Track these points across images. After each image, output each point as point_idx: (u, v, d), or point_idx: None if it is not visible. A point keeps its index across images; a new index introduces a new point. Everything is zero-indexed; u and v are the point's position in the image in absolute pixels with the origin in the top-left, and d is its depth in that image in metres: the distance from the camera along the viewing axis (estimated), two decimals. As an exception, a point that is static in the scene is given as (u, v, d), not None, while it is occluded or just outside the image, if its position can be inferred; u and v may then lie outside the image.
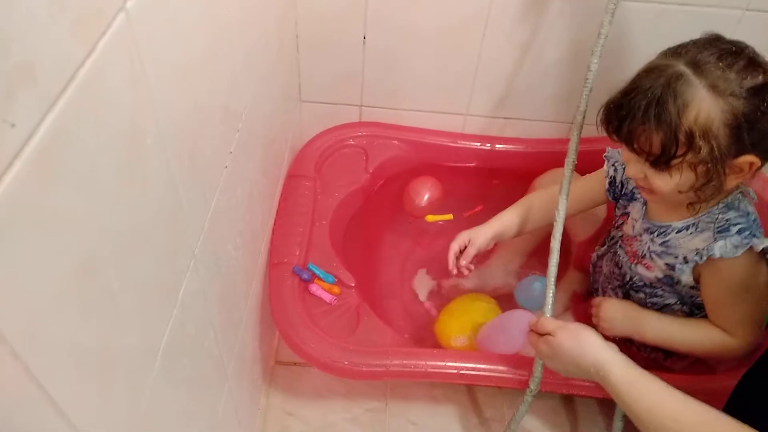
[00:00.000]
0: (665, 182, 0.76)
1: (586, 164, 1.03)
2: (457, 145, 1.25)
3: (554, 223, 0.89)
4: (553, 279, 0.88)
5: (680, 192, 0.77)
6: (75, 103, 0.35)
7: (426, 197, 1.26)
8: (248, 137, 0.78)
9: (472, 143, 1.25)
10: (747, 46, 0.73)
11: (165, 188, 0.51)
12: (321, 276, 1.00)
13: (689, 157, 0.72)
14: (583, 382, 0.88)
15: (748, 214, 0.81)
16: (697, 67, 0.71)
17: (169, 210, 0.52)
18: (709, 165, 0.72)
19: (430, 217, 1.29)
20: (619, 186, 0.98)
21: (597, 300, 0.99)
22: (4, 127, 0.29)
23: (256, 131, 0.83)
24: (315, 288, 0.98)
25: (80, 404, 0.39)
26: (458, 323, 1.06)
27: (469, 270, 1.02)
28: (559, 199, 0.89)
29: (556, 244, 0.89)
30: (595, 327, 0.85)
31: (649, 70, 0.75)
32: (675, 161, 0.73)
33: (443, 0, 1.04)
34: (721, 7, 1.03)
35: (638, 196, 0.94)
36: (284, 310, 0.93)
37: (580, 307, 1.12)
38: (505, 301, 1.10)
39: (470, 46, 1.11)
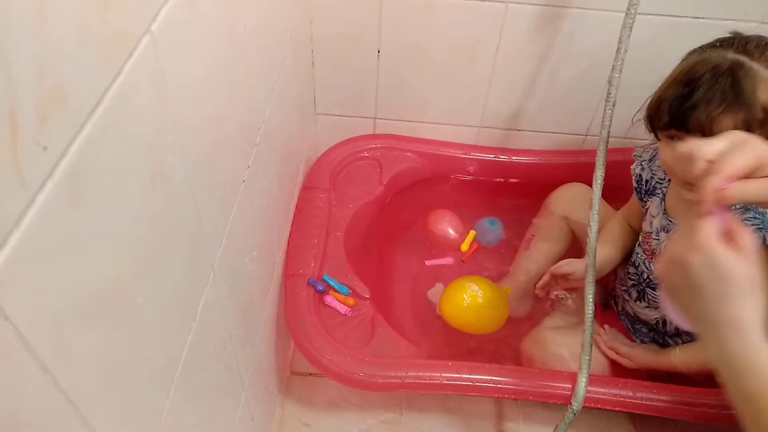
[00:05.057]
0: None
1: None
2: (471, 156, 1.25)
3: (587, 239, 0.88)
4: (591, 296, 0.88)
5: None
6: (102, 125, 0.36)
7: (451, 231, 1.27)
8: (265, 151, 0.80)
9: (486, 155, 1.25)
10: None
11: (186, 204, 0.52)
12: (336, 287, 1.01)
13: (764, 133, 0.74)
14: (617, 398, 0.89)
15: (764, 214, 0.83)
16: (750, 54, 0.75)
17: (189, 225, 0.53)
18: None
19: (464, 246, 1.28)
20: (644, 183, 0.98)
21: (624, 351, 0.99)
22: (36, 150, 0.30)
23: (273, 145, 0.85)
24: (330, 299, 0.99)
25: (105, 416, 0.40)
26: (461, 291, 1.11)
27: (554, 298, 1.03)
28: (590, 215, 0.88)
29: (590, 260, 0.87)
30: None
31: (702, 62, 0.77)
32: None
33: (457, 14, 1.05)
34: (735, 20, 1.03)
35: (657, 191, 0.94)
36: (299, 322, 0.94)
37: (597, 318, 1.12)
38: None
39: (484, 59, 1.11)
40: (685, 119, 0.76)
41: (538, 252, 1.18)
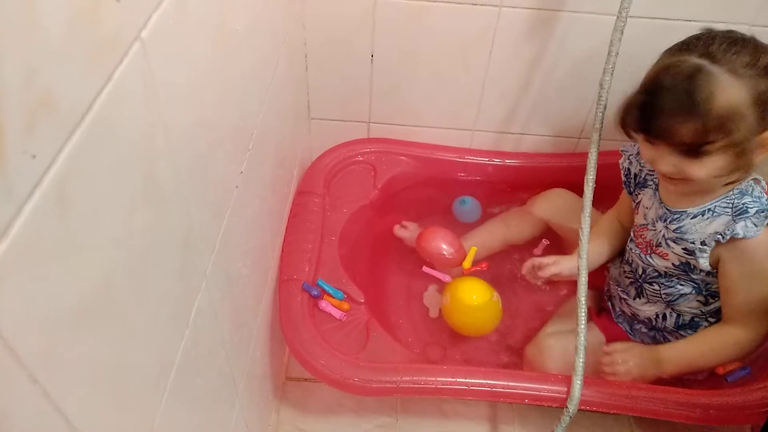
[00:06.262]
0: (701, 169, 0.78)
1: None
2: (465, 160, 1.25)
3: (579, 241, 0.89)
4: (583, 298, 0.88)
5: (716, 177, 0.79)
6: (92, 132, 0.36)
7: (446, 247, 1.18)
8: (258, 156, 0.79)
9: (480, 158, 1.25)
10: (743, 33, 0.78)
11: (177, 210, 0.52)
12: (330, 292, 1.00)
13: (723, 141, 0.74)
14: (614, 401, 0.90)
15: (760, 198, 0.84)
16: (712, 57, 0.75)
17: (181, 231, 0.53)
18: (743, 146, 0.75)
19: (466, 264, 1.19)
20: (633, 177, 0.99)
21: (607, 349, 0.99)
22: (24, 159, 0.30)
23: (266, 150, 0.85)
24: (324, 304, 0.99)
25: (96, 425, 0.40)
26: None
27: (539, 282, 1.06)
28: (581, 218, 0.89)
29: (583, 263, 0.88)
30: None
31: (665, 68, 0.78)
32: (711, 147, 0.75)
33: (450, 18, 1.05)
34: (727, 23, 1.03)
35: (649, 183, 0.95)
36: (294, 327, 0.94)
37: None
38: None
39: (477, 63, 1.12)
40: (649, 127, 0.78)
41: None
